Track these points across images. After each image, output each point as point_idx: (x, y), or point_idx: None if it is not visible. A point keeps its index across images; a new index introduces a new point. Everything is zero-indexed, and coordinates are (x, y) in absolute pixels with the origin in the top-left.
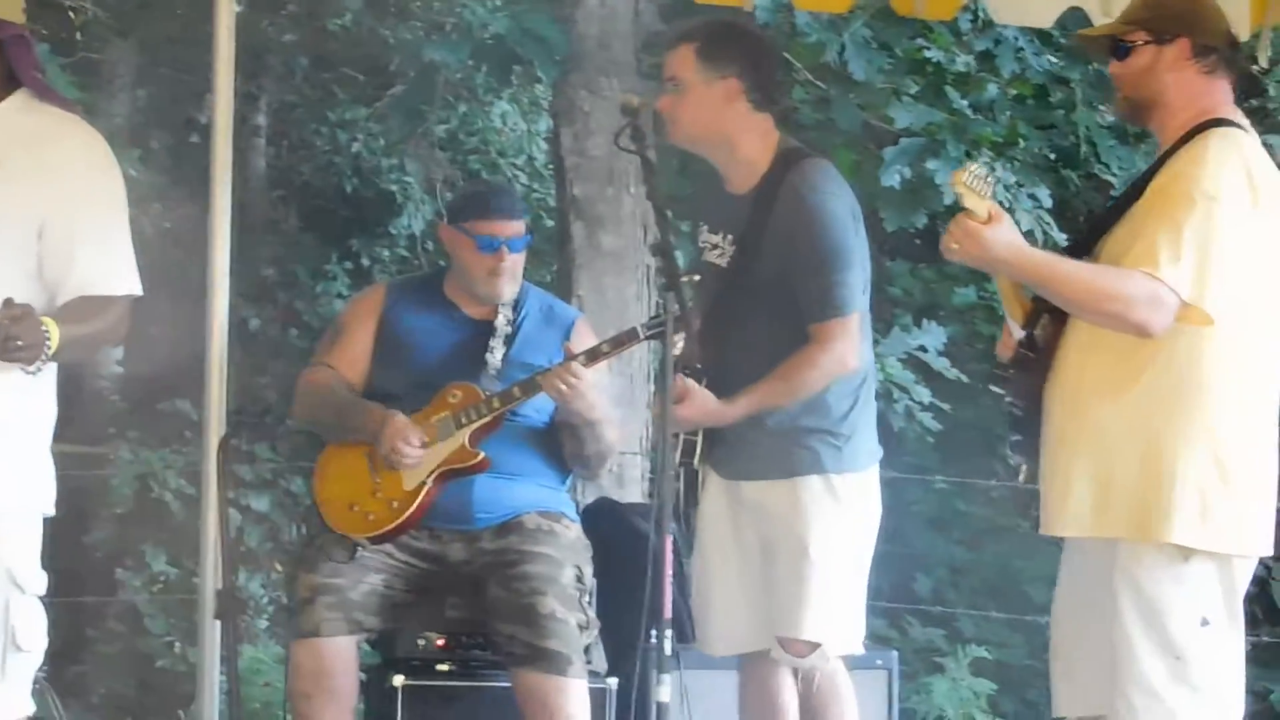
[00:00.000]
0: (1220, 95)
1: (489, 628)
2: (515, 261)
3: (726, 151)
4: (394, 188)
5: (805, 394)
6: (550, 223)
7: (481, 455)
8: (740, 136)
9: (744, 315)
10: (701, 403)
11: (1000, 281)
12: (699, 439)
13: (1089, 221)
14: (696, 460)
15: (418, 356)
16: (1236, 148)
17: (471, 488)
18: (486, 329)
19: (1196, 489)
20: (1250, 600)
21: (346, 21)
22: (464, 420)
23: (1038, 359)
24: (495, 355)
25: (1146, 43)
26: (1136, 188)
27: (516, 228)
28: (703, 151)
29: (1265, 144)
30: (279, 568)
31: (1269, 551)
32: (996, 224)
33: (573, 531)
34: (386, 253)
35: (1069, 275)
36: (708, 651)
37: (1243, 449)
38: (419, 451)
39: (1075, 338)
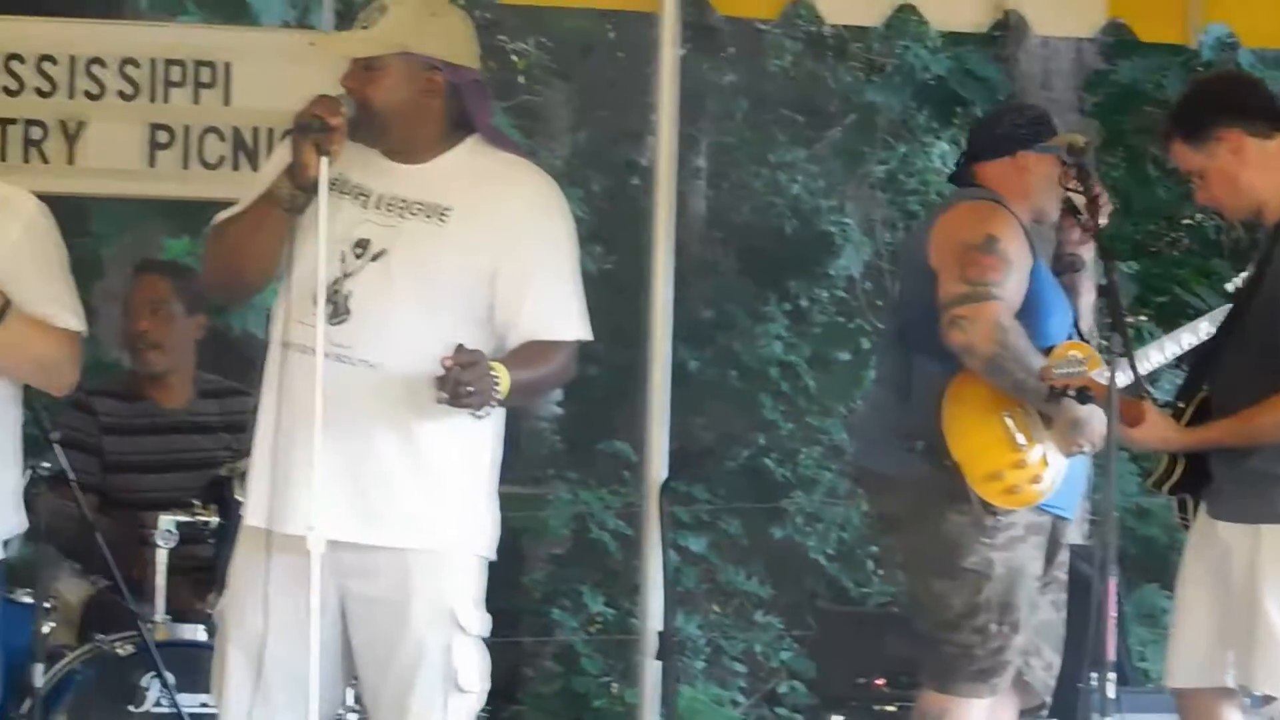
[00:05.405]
0: None
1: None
2: None
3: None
4: (833, 229)
5: (1266, 440)
6: None
7: None
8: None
9: (1237, 345)
10: (1159, 428)
11: None
12: (1178, 467)
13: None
14: (1166, 488)
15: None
16: None
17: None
18: None
19: None
20: None
21: (786, 63)
22: None
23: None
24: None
25: None
26: None
27: None
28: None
29: None
30: (715, 609)
31: None
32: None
33: None
34: (825, 294)
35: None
36: (1165, 682)
37: None
38: None
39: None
